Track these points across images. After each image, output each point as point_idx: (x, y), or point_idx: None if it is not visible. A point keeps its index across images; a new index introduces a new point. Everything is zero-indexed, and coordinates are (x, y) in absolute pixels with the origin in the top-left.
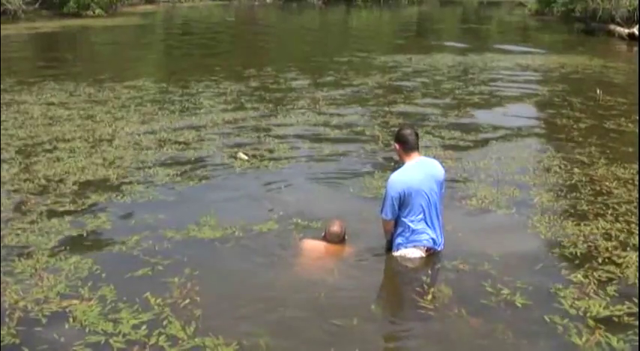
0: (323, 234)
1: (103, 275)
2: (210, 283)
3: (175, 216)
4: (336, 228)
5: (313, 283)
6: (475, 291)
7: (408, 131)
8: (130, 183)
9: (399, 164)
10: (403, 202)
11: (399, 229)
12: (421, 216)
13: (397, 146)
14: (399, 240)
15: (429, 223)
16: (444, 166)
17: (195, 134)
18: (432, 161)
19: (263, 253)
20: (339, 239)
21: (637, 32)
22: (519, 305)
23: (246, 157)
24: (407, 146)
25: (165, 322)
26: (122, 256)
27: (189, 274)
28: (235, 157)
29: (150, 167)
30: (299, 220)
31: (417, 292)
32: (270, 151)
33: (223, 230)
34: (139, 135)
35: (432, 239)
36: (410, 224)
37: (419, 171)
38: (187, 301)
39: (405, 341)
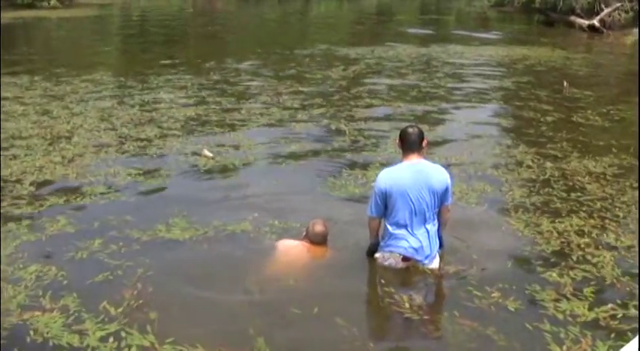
0: (304, 234)
1: (65, 283)
2: (175, 287)
3: (141, 217)
4: (320, 227)
5: (285, 287)
6: (456, 292)
7: (410, 130)
8: (91, 183)
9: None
10: (387, 202)
11: (383, 231)
12: (402, 221)
13: (398, 142)
14: (381, 242)
15: (411, 231)
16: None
17: (157, 130)
18: (432, 168)
19: (236, 255)
20: (323, 239)
21: (597, 24)
22: (511, 309)
23: (210, 155)
24: (405, 145)
25: (130, 332)
26: (85, 261)
27: (150, 279)
28: (199, 155)
29: (111, 166)
30: (274, 221)
31: (401, 294)
32: (235, 147)
33: (195, 231)
34: (98, 131)
35: (414, 249)
36: (389, 228)
37: (409, 174)
38: (153, 310)
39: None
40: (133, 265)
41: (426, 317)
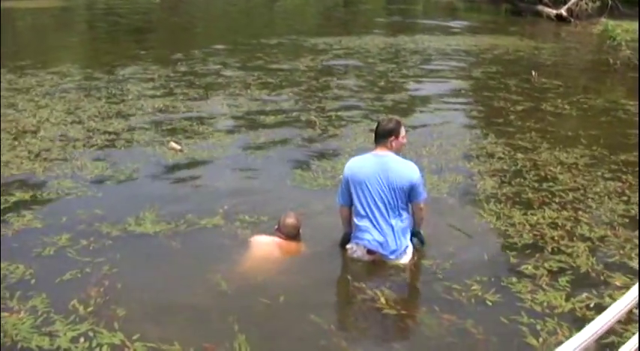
0: (276, 227)
1: (33, 282)
2: (146, 283)
3: (110, 211)
4: (292, 220)
5: (259, 283)
6: (432, 286)
7: (381, 122)
8: (58, 177)
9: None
10: (351, 191)
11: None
12: (363, 212)
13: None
14: (352, 233)
15: (375, 224)
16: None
17: (124, 123)
18: (396, 163)
19: (207, 250)
20: (296, 232)
21: (565, 13)
22: (489, 303)
23: (179, 147)
24: (377, 137)
25: (100, 331)
26: (53, 258)
27: (120, 275)
28: (167, 147)
29: (78, 160)
30: (245, 216)
31: (377, 289)
32: (204, 139)
33: (166, 225)
34: (65, 125)
35: (379, 243)
36: (354, 219)
37: (371, 164)
38: (122, 307)
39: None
40: (102, 261)
41: (403, 312)
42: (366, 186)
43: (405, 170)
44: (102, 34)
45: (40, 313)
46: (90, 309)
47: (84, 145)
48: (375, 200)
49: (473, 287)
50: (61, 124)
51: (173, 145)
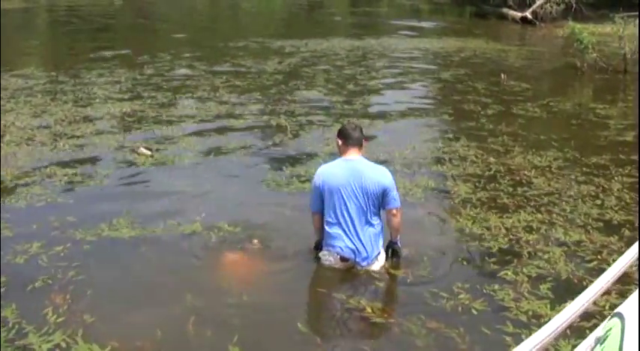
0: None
1: (3, 290)
2: (119, 292)
3: (83, 218)
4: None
5: (229, 292)
6: (414, 294)
7: (350, 126)
8: (26, 184)
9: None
10: (323, 199)
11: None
12: (335, 219)
13: (339, 141)
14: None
15: (347, 231)
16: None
17: (92, 128)
18: (368, 167)
19: (178, 259)
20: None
21: (530, 16)
22: (474, 312)
23: (149, 152)
24: (348, 142)
25: (76, 341)
26: (23, 266)
27: (93, 283)
28: (137, 153)
29: (46, 166)
30: (222, 225)
31: (359, 298)
32: (174, 144)
33: (140, 230)
34: (31, 129)
35: (351, 250)
36: (325, 226)
37: (343, 171)
38: (94, 315)
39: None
40: (74, 268)
41: (391, 320)
42: (340, 192)
43: (378, 175)
44: (65, 37)
45: (11, 324)
46: (63, 318)
47: (51, 150)
48: (347, 207)
49: (460, 295)
50: (27, 128)
51: (143, 150)
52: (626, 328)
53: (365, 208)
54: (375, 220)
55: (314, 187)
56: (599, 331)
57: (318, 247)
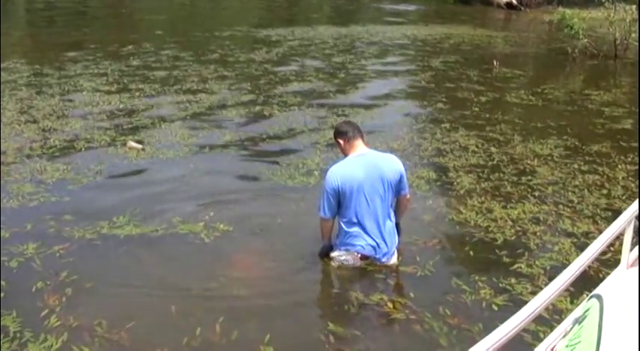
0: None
1: (2, 295)
2: (117, 290)
3: (80, 216)
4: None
5: (235, 294)
6: (431, 288)
7: (346, 122)
8: (17, 182)
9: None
10: (341, 200)
11: (337, 230)
12: (356, 219)
13: (340, 142)
14: (336, 241)
15: (367, 228)
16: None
17: (81, 122)
18: (382, 157)
19: (181, 259)
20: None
21: (514, 1)
22: (495, 308)
23: (140, 146)
24: (349, 136)
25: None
26: (20, 269)
27: (92, 285)
28: (128, 147)
29: (37, 162)
30: (222, 223)
31: (378, 294)
32: (167, 138)
33: (144, 228)
34: (19, 125)
35: (372, 247)
36: (343, 226)
37: (361, 166)
38: (96, 318)
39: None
40: (73, 269)
41: (412, 317)
42: (362, 190)
43: (392, 162)
44: (47, 28)
45: (12, 334)
46: (59, 323)
47: (41, 147)
48: (369, 204)
49: (482, 291)
50: (15, 123)
51: (132, 144)
52: (605, 308)
53: (385, 201)
54: (392, 213)
55: (330, 191)
56: (577, 312)
57: (327, 253)
